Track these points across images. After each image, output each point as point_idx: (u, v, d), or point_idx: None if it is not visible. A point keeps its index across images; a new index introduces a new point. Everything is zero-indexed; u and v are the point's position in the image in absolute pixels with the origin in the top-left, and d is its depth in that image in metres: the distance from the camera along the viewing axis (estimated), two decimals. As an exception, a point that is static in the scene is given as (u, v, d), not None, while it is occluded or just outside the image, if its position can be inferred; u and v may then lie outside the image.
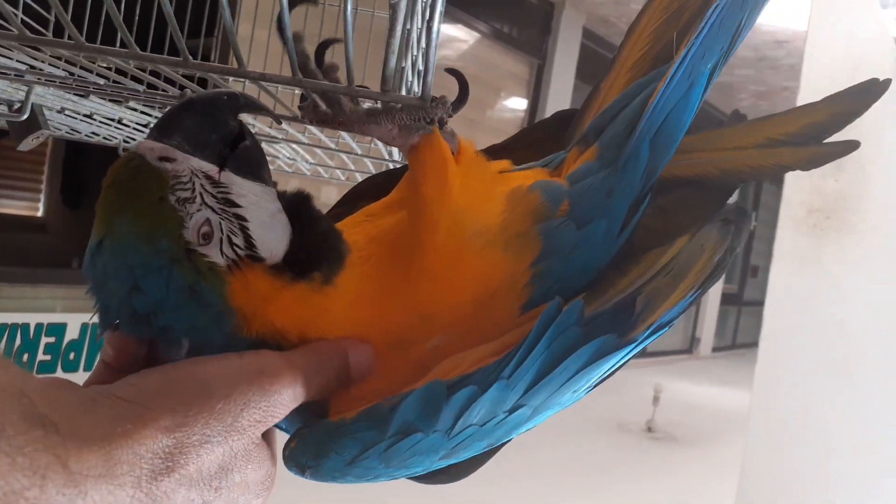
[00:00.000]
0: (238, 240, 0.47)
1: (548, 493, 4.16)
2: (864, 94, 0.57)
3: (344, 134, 1.00)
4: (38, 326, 3.88)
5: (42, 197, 7.27)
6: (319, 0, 1.11)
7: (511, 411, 0.52)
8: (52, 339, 3.92)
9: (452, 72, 0.53)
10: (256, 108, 0.51)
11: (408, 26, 0.53)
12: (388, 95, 0.50)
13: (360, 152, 1.09)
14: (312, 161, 1.17)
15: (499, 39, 6.19)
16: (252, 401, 0.43)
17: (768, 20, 6.18)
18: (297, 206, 0.51)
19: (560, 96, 6.92)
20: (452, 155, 0.53)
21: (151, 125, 1.04)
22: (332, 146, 1.03)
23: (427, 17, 0.49)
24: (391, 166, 1.19)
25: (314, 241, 0.51)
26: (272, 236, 0.49)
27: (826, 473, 2.14)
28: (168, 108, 0.47)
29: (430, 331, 0.52)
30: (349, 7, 0.47)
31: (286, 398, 0.45)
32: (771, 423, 2.33)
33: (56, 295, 4.06)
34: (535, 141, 0.66)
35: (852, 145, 0.57)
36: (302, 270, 0.49)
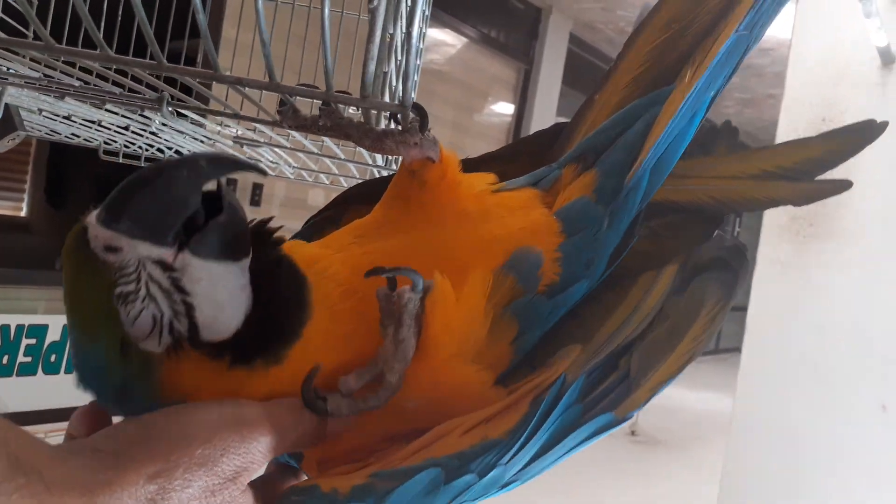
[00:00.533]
0: (181, 325, 0.46)
1: (529, 495, 4.16)
2: (860, 134, 0.57)
3: (326, 139, 0.99)
4: (19, 328, 3.84)
5: (26, 197, 7.20)
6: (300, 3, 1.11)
7: (503, 486, 0.53)
8: (32, 341, 3.88)
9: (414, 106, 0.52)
10: (225, 168, 0.45)
11: (390, 30, 0.53)
12: (367, 101, 0.49)
13: (343, 157, 1.08)
14: (295, 165, 1.16)
15: (486, 44, 6.19)
16: (231, 447, 0.42)
17: (753, 27, 6.22)
18: (267, 272, 0.48)
19: (546, 101, 6.94)
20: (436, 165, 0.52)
21: (131, 128, 1.02)
22: (315, 150, 1.02)
23: (407, 21, 0.48)
24: (375, 171, 1.19)
25: (268, 317, 0.48)
26: (224, 317, 0.46)
27: (808, 477, 2.15)
28: (121, 184, 0.43)
29: (409, 391, 0.50)
30: (326, 11, 0.46)
31: (263, 447, 0.44)
32: (753, 427, 2.34)
33: (39, 296, 4.02)
34: (523, 152, 0.64)
35: (844, 185, 0.58)
36: (243, 355, 0.47)
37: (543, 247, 0.53)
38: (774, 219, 2.42)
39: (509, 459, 0.50)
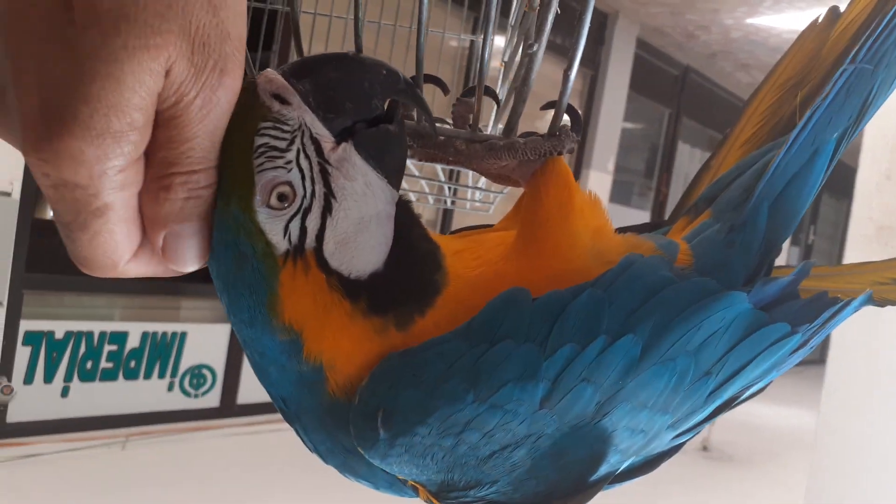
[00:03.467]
0: (311, 224, 0.40)
1: (601, 511, 4.09)
2: None
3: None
4: (102, 335, 3.99)
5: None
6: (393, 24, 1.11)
7: (631, 363, 0.44)
8: (114, 348, 4.03)
9: (568, 108, 0.50)
10: (414, 100, 0.42)
11: (505, 58, 0.51)
12: (513, 140, 0.48)
13: (417, 174, 1.07)
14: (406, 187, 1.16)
15: (551, 50, 6.08)
16: None
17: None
18: (404, 219, 0.43)
19: (613, 107, 6.85)
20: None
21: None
22: (443, 178, 1.01)
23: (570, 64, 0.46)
24: (446, 188, 1.17)
25: (408, 272, 0.43)
26: (362, 243, 0.41)
27: (901, 500, 2.05)
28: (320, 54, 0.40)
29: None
30: (486, 56, 0.45)
31: None
32: (839, 445, 2.25)
33: (114, 304, 4.17)
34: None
35: None
36: (380, 306, 0.42)
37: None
38: (860, 229, 2.33)
39: (606, 287, 0.44)
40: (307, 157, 0.40)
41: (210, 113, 0.36)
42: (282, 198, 0.39)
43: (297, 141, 0.39)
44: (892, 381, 2.10)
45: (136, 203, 0.37)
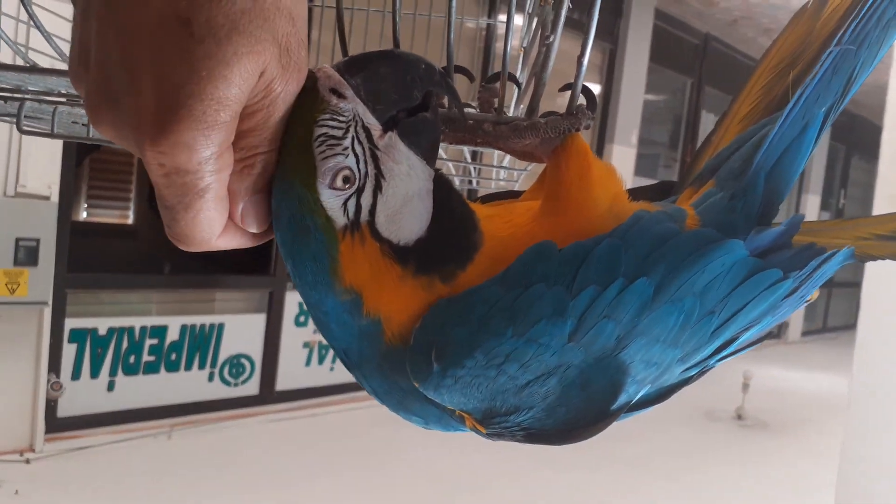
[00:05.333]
0: (365, 201, 0.46)
1: (637, 482, 4.13)
2: None
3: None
4: (143, 329, 4.10)
5: (131, 205, 7.63)
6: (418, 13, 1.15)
7: (645, 304, 0.50)
8: (154, 341, 4.14)
9: (583, 89, 0.55)
10: (447, 91, 0.49)
11: (524, 43, 0.56)
12: (535, 120, 0.53)
13: (444, 156, 1.12)
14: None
15: (568, 25, 6.06)
16: None
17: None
18: (441, 192, 0.49)
19: (634, 80, 6.80)
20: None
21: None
22: (469, 159, 1.05)
23: (582, 46, 0.51)
24: (472, 169, 1.21)
25: (449, 234, 0.49)
26: (408, 215, 0.47)
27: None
28: (370, 52, 0.47)
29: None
30: (508, 47, 0.49)
31: None
32: (872, 410, 2.26)
33: (150, 299, 4.28)
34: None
35: None
36: (426, 266, 0.48)
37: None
38: (887, 190, 2.32)
39: (623, 235, 0.50)
40: (360, 143, 0.46)
41: (289, 98, 0.43)
42: (346, 180, 0.45)
43: (352, 130, 0.45)
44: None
45: (227, 184, 0.43)
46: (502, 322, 0.47)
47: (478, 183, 1.38)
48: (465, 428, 0.54)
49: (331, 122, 0.45)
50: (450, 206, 0.50)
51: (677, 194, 0.62)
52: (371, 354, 0.50)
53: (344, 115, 0.45)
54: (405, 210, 0.48)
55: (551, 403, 0.51)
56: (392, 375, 0.50)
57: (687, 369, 0.56)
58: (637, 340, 0.51)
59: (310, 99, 0.44)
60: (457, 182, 1.25)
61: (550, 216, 0.53)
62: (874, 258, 0.63)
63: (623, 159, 6.73)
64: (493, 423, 0.52)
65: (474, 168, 1.23)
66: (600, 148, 6.73)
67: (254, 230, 0.46)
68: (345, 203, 0.46)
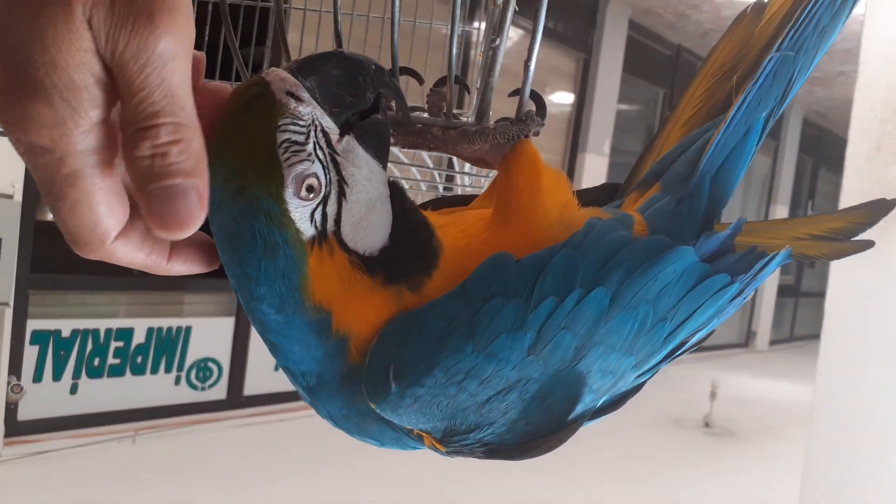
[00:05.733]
0: (331, 210, 0.44)
1: (604, 489, 4.15)
2: (876, 210, 0.66)
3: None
4: (108, 332, 4.03)
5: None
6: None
7: (601, 314, 0.50)
8: (120, 344, 4.07)
9: (531, 93, 0.54)
10: (394, 93, 0.48)
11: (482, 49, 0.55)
12: (484, 126, 0.53)
13: (405, 161, 1.11)
14: (398, 175, 1.19)
15: (543, 35, 6.11)
16: None
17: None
18: (395, 197, 0.48)
19: (607, 89, 6.86)
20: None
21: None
22: (431, 165, 1.05)
23: (528, 50, 0.50)
24: (436, 175, 1.21)
25: (410, 242, 0.48)
26: (371, 223, 0.46)
27: (893, 469, 2.09)
28: (318, 53, 0.44)
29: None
30: (454, 49, 0.48)
31: None
32: (835, 417, 2.29)
33: (119, 301, 4.21)
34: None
35: (868, 244, 0.66)
36: (393, 275, 0.47)
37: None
38: (851, 202, 2.35)
39: (578, 245, 0.50)
40: (321, 148, 0.44)
41: (149, 63, 0.36)
42: (310, 189, 0.43)
43: (312, 135, 0.43)
44: (886, 354, 2.13)
45: (116, 175, 0.38)
46: (462, 338, 0.47)
47: (446, 189, 1.37)
48: (422, 446, 0.53)
49: (292, 127, 0.42)
50: (407, 212, 0.49)
51: (622, 198, 0.63)
52: (333, 376, 0.48)
53: (303, 120, 0.43)
54: (369, 217, 0.46)
55: (511, 418, 0.50)
56: (352, 398, 0.49)
57: (640, 375, 0.57)
58: (594, 350, 0.51)
59: (265, 103, 0.42)
60: (423, 188, 1.25)
61: (502, 225, 0.53)
62: (809, 258, 0.65)
63: (596, 168, 6.78)
64: (453, 441, 0.51)
65: (438, 174, 1.22)
66: (573, 157, 6.77)
67: (167, 232, 0.38)
68: (312, 213, 0.44)
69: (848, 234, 0.66)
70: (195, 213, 0.37)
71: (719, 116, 0.61)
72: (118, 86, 0.36)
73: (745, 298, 0.58)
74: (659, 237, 0.53)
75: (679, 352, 0.58)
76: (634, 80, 7.44)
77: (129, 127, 0.36)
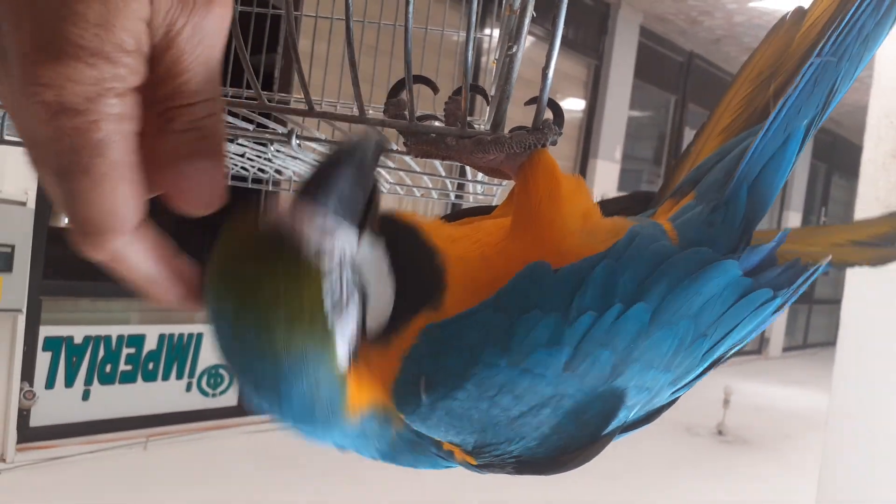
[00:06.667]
0: (357, 322, 0.43)
1: (618, 496, 4.12)
2: None
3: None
4: (119, 338, 4.04)
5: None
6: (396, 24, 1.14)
7: (641, 331, 0.48)
8: (132, 350, 4.08)
9: (549, 102, 0.53)
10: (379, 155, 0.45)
11: (495, 56, 0.54)
12: (500, 135, 0.51)
13: (418, 169, 1.10)
14: (392, 181, 1.19)
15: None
16: None
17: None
18: (395, 252, 0.46)
19: (619, 96, 6.84)
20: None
21: (246, 154, 1.07)
22: (418, 169, 1.04)
23: (546, 59, 0.48)
24: (448, 183, 1.20)
25: (411, 294, 0.46)
26: (381, 305, 0.45)
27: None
28: (320, 166, 0.41)
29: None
30: (469, 57, 0.47)
31: None
32: (850, 425, 2.26)
33: (131, 307, 4.22)
34: (614, 213, 0.63)
35: None
36: (400, 322, 0.46)
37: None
38: (867, 209, 2.33)
39: (619, 257, 0.48)
40: (349, 269, 0.42)
41: (201, 42, 0.36)
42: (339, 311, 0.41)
43: (344, 264, 0.41)
44: (901, 361, 2.11)
45: (137, 155, 0.37)
46: (496, 351, 0.45)
47: (458, 197, 1.37)
48: (454, 463, 0.51)
49: (333, 277, 0.40)
50: (405, 254, 0.47)
51: (656, 206, 0.61)
52: (395, 438, 0.49)
53: (336, 257, 0.41)
54: (381, 300, 0.45)
55: (543, 433, 0.49)
56: (403, 439, 0.49)
57: (676, 390, 0.55)
58: (632, 367, 0.49)
59: (301, 264, 0.38)
60: (435, 196, 1.24)
61: (521, 234, 0.51)
62: (851, 265, 0.63)
63: (607, 175, 6.77)
64: (484, 453, 0.50)
65: (450, 182, 1.22)
66: (584, 163, 6.76)
67: (191, 208, 0.38)
68: (347, 342, 0.42)
69: (893, 238, 0.64)
70: (221, 190, 0.38)
71: (758, 125, 0.60)
72: (160, 60, 0.36)
73: (783, 311, 0.56)
74: (703, 250, 0.51)
75: (715, 366, 0.56)
76: (646, 86, 7.42)
77: (168, 102, 0.37)
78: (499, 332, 0.45)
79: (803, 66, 0.54)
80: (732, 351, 0.56)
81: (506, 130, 0.53)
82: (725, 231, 0.54)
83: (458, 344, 0.45)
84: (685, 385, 0.55)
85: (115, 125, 0.35)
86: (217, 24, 0.36)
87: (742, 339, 0.54)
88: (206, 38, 0.36)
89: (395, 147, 0.55)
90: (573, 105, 6.75)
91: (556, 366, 0.46)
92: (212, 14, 0.36)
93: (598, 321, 0.46)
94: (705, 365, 0.54)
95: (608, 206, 0.56)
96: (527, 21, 0.49)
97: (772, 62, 0.64)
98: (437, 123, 0.54)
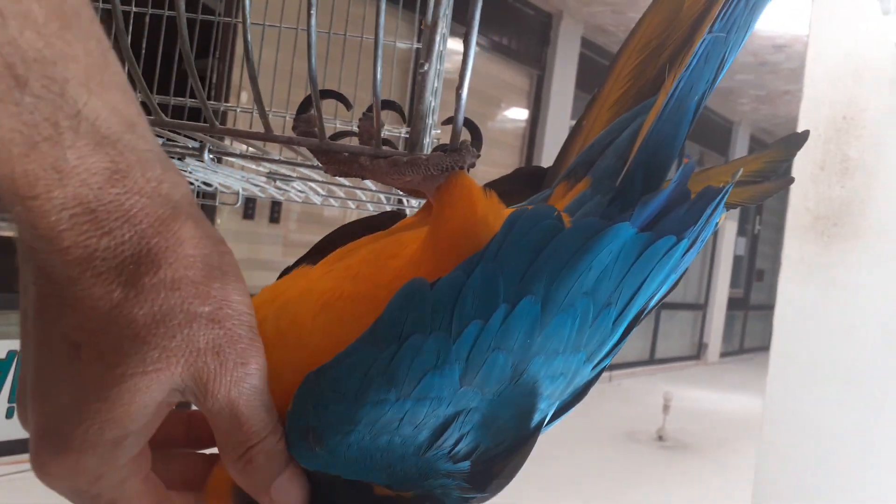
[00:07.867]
0: None
1: (553, 501, 4.14)
2: (791, 144, 0.65)
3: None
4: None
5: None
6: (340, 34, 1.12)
7: (534, 324, 0.45)
8: None
9: (466, 122, 0.51)
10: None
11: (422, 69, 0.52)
12: (416, 155, 0.49)
13: (347, 184, 1.08)
14: (323, 193, 1.16)
15: (497, 51, 6.20)
16: None
17: (766, 25, 6.19)
18: None
19: (561, 106, 6.93)
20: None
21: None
22: (348, 183, 1.02)
23: (460, 77, 0.46)
24: (382, 197, 1.18)
25: None
26: None
27: (841, 479, 2.12)
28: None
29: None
30: (378, 71, 0.45)
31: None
32: (784, 429, 2.32)
33: None
34: (505, 192, 0.58)
35: (789, 180, 0.65)
36: None
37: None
38: (798, 219, 2.40)
39: (494, 255, 0.45)
40: None
41: (246, 395, 0.39)
42: None
43: None
44: (833, 368, 2.17)
45: (152, 482, 0.41)
46: (382, 388, 0.42)
47: (397, 208, 1.35)
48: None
49: None
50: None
51: (549, 188, 0.58)
52: None
53: None
54: None
55: (463, 451, 0.46)
56: None
57: (598, 363, 0.52)
58: (535, 361, 0.46)
59: None
60: (370, 208, 1.21)
61: (430, 261, 0.48)
62: (735, 206, 0.63)
63: (550, 183, 6.84)
64: (405, 487, 0.46)
65: (385, 196, 1.19)
66: (528, 172, 6.82)
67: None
68: None
69: (769, 174, 0.63)
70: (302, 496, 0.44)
71: (649, 100, 0.57)
72: (218, 419, 0.39)
73: (702, 244, 0.53)
74: (589, 220, 0.47)
75: (637, 323, 0.54)
76: (587, 96, 7.49)
77: (241, 447, 0.40)
78: (381, 367, 0.42)
79: (693, 35, 0.53)
80: (652, 304, 0.54)
81: (429, 149, 0.51)
82: (621, 213, 0.52)
83: (340, 388, 0.42)
84: (606, 356, 0.53)
85: (120, 487, 0.38)
86: (256, 376, 0.40)
87: (655, 291, 0.52)
88: (251, 390, 0.40)
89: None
90: (517, 115, 6.80)
91: (451, 385, 0.43)
92: (249, 374, 0.39)
93: (484, 328, 0.44)
94: (620, 331, 0.51)
95: (496, 186, 0.53)
96: (437, 38, 0.47)
97: (661, 31, 0.61)
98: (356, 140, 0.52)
